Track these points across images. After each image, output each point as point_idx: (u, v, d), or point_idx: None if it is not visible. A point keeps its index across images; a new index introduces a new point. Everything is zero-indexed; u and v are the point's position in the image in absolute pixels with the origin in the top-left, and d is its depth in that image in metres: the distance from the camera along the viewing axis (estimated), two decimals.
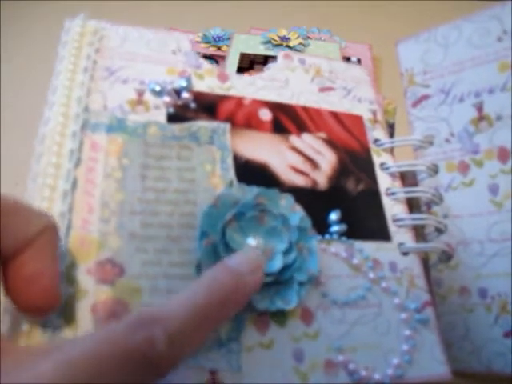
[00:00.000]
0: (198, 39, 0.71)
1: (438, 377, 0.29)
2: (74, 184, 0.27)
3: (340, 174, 0.34)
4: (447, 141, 0.37)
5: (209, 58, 0.69)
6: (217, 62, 0.69)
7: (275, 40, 0.68)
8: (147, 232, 0.27)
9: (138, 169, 0.29)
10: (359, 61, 0.67)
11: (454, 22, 0.39)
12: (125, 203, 0.27)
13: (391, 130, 0.39)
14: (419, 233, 0.35)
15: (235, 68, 0.65)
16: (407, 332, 0.29)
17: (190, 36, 0.72)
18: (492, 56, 0.37)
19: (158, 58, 0.34)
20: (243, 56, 0.66)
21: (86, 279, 0.25)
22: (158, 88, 0.32)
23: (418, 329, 0.29)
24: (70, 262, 0.25)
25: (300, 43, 0.68)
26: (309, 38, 0.69)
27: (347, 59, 0.68)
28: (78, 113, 0.29)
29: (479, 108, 0.37)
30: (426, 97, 0.39)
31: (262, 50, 0.67)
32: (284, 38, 0.68)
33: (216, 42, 0.70)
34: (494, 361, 0.31)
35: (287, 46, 0.68)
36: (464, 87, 0.38)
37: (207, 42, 0.70)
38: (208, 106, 0.33)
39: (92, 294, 0.24)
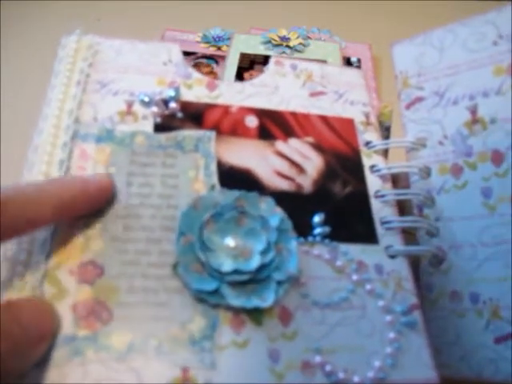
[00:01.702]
0: (198, 39, 0.71)
1: (424, 381, 0.28)
2: None
3: (326, 177, 0.34)
4: (440, 143, 0.37)
5: (209, 58, 0.69)
6: (217, 62, 0.69)
7: (275, 40, 0.68)
8: (129, 234, 0.28)
9: (124, 176, 0.30)
10: (359, 61, 0.67)
11: (449, 25, 0.39)
12: (110, 208, 0.29)
13: (387, 132, 0.39)
14: (412, 236, 0.35)
15: (235, 68, 0.65)
16: (391, 335, 0.29)
17: (184, 35, 0.72)
18: (487, 60, 0.37)
19: (149, 70, 0.35)
20: (243, 56, 0.67)
21: (68, 279, 0.26)
22: (146, 99, 0.33)
23: (403, 332, 0.29)
24: (55, 264, 0.26)
25: (300, 43, 0.68)
26: (309, 38, 0.69)
27: (347, 59, 0.67)
28: (69, 124, 0.31)
29: (473, 111, 0.36)
30: (419, 99, 0.38)
31: (262, 50, 0.67)
32: (284, 38, 0.68)
33: (216, 42, 0.70)
34: (485, 367, 0.31)
35: (287, 46, 0.67)
36: (458, 90, 0.37)
37: (207, 42, 0.70)
38: (194, 115, 0.34)
39: (73, 293, 0.26)
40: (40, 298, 0.25)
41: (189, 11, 0.76)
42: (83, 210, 0.27)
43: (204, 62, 0.69)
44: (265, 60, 0.65)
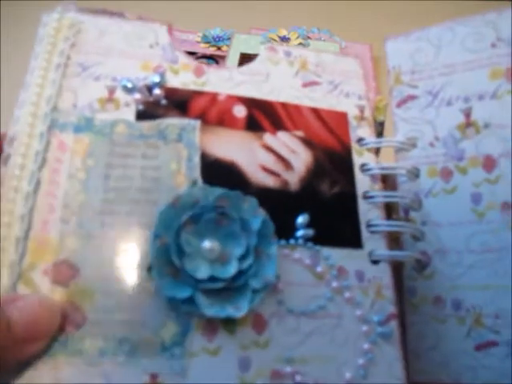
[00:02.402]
0: (198, 39, 0.71)
1: None
2: (38, 185, 0.27)
3: (314, 175, 0.32)
4: (431, 145, 0.36)
5: (209, 57, 0.69)
6: (217, 62, 0.69)
7: (275, 40, 0.67)
8: (105, 233, 0.27)
9: (103, 169, 0.28)
10: None
11: (447, 23, 0.38)
12: (86, 204, 0.27)
13: (381, 128, 0.37)
14: (397, 240, 0.34)
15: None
16: (365, 345, 0.28)
17: (184, 35, 0.72)
18: (484, 61, 0.35)
19: (134, 53, 0.32)
20: (243, 56, 0.66)
21: (42, 280, 0.25)
22: (129, 85, 0.31)
23: (378, 342, 0.28)
24: (29, 264, 0.25)
25: (300, 43, 0.68)
26: (309, 38, 0.69)
27: None
28: (47, 112, 0.29)
29: (467, 114, 0.35)
30: (412, 97, 0.37)
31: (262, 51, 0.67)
32: (284, 38, 0.68)
33: (216, 42, 0.70)
34: (463, 374, 0.30)
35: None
36: (453, 91, 0.36)
37: (207, 42, 0.70)
38: (179, 102, 0.31)
39: (46, 294, 0.25)
40: (45, 296, 0.24)
41: (189, 11, 0.75)
42: None
43: (204, 62, 0.68)
44: None
